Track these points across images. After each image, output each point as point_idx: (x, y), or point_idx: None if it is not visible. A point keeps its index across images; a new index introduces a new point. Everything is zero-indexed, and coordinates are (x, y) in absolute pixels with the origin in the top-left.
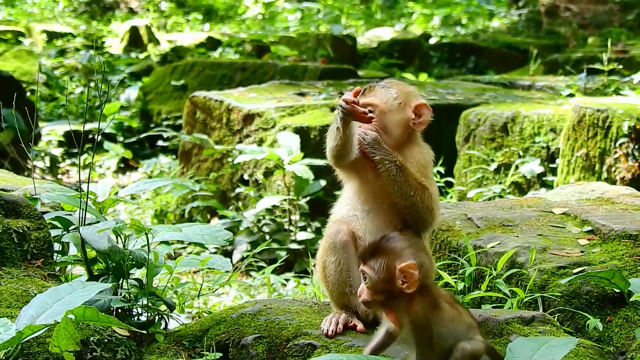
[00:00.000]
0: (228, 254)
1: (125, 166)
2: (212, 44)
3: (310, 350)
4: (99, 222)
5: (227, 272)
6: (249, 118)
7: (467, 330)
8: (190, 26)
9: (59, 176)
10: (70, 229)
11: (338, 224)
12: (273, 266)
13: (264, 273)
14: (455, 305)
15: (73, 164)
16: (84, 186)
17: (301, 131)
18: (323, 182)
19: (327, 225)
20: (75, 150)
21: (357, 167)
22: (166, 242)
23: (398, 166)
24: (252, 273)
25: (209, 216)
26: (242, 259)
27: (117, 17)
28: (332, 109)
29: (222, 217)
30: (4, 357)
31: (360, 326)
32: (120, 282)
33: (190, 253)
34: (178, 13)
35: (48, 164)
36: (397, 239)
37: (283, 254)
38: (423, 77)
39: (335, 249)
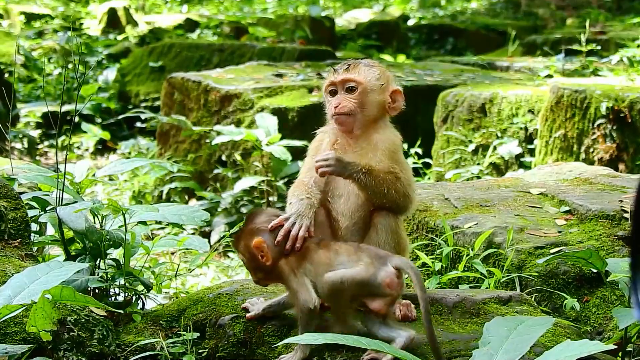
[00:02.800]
0: (206, 235)
1: (103, 148)
2: (190, 25)
3: (288, 330)
4: (76, 202)
5: (204, 252)
6: (226, 99)
7: (346, 263)
8: (168, 8)
9: (37, 157)
10: (47, 209)
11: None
12: None
13: None
14: (332, 247)
15: (51, 146)
16: (62, 167)
17: (279, 112)
18: (301, 163)
19: None
20: (53, 132)
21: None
22: (144, 223)
23: (365, 172)
24: (230, 254)
25: (187, 197)
26: (220, 239)
27: None
28: (310, 90)
29: (200, 198)
30: None
31: None
32: (97, 262)
33: (168, 234)
34: None
35: (26, 145)
36: (250, 219)
37: None
38: (401, 58)
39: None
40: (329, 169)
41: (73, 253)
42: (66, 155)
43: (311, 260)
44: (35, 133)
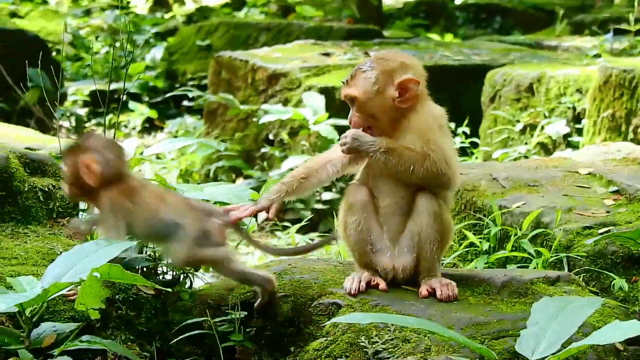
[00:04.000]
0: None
1: (150, 126)
2: (237, 4)
3: (335, 309)
4: None
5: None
6: (274, 78)
7: (171, 214)
8: None
9: None
10: None
11: (357, 185)
12: (298, 225)
13: (288, 233)
14: (162, 194)
15: (98, 124)
16: None
17: (326, 91)
18: None
19: (347, 186)
20: (101, 110)
21: (356, 159)
22: None
23: (384, 151)
24: (278, 233)
25: (234, 176)
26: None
27: None
28: None
29: (247, 177)
30: (29, 315)
31: (382, 285)
32: None
33: None
34: None
35: (74, 124)
36: (89, 137)
37: (308, 213)
38: (448, 37)
39: (354, 209)
40: (345, 146)
41: None
42: (114, 134)
43: (135, 200)
44: (83, 111)
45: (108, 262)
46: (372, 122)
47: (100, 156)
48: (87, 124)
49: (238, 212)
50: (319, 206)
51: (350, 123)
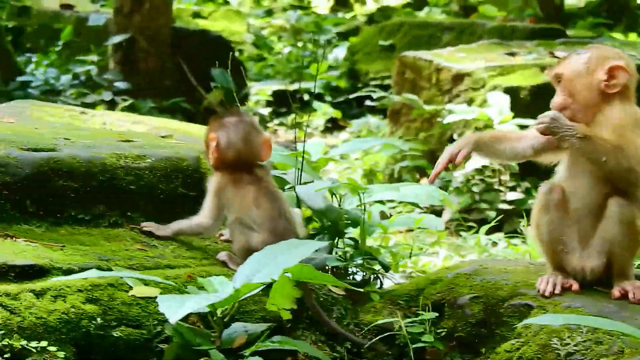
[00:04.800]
0: (437, 213)
1: (332, 126)
2: (418, 3)
3: (527, 310)
4: (314, 181)
5: (440, 232)
6: (458, 78)
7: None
8: None
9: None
10: (286, 188)
11: (551, 183)
12: (487, 226)
13: (474, 233)
14: (258, 197)
15: (281, 124)
16: (297, 146)
17: (511, 91)
18: None
19: (541, 185)
20: (283, 110)
21: (549, 148)
22: (381, 202)
23: (580, 137)
24: (462, 233)
25: (417, 176)
26: (453, 218)
27: None
28: (543, 69)
29: None
30: (221, 315)
31: (575, 286)
32: (335, 241)
33: (399, 213)
34: None
35: None
36: (228, 114)
37: (492, 213)
38: (632, 36)
39: (547, 208)
40: (542, 125)
41: (311, 232)
42: (305, 134)
43: (235, 192)
44: (266, 111)
45: (299, 262)
46: (571, 104)
47: (225, 137)
48: (269, 124)
49: (434, 171)
50: (504, 206)
51: (551, 106)
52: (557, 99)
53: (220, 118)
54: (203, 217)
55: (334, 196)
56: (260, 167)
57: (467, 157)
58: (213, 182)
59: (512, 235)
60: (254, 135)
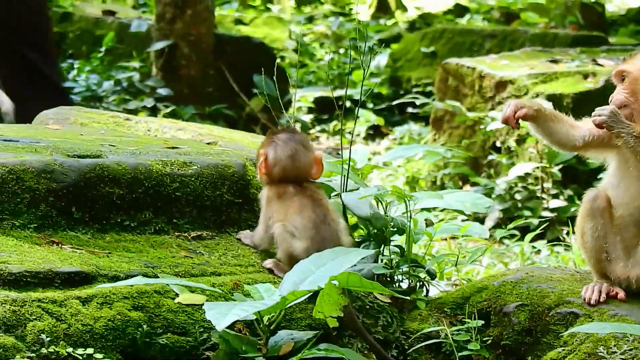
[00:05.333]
0: (480, 220)
1: (374, 133)
2: (459, 10)
3: (573, 318)
4: (359, 188)
5: (484, 239)
6: (501, 85)
7: (299, 229)
8: None
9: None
10: (331, 195)
11: (596, 191)
12: (532, 234)
13: (517, 240)
14: (301, 207)
15: (323, 130)
16: (342, 153)
17: (554, 98)
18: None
19: (586, 192)
20: (325, 117)
21: (599, 143)
22: (427, 209)
23: (637, 136)
24: (505, 240)
25: (460, 183)
26: (495, 225)
27: None
28: (585, 77)
29: (474, 184)
30: (267, 322)
31: (621, 294)
32: (381, 248)
33: (441, 220)
34: None
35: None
36: (283, 131)
37: (535, 221)
38: None
39: (592, 216)
40: (600, 118)
41: (357, 239)
42: (351, 142)
43: (281, 203)
44: (308, 118)
45: (346, 270)
46: (632, 104)
47: (272, 154)
48: (311, 131)
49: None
50: (547, 214)
51: (610, 101)
52: (619, 96)
53: (273, 134)
54: (261, 237)
55: (379, 203)
56: (310, 182)
57: (527, 118)
58: (263, 195)
59: (555, 243)
60: (302, 153)
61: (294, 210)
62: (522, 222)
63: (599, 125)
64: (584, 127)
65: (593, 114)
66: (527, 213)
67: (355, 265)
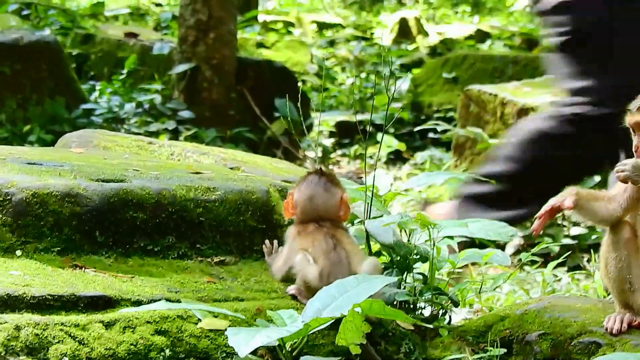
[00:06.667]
0: (500, 247)
1: (395, 157)
2: (480, 36)
3: (595, 348)
4: (382, 215)
5: (506, 266)
6: (523, 112)
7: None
8: (458, 18)
9: (330, 167)
10: (355, 222)
11: (621, 222)
12: (555, 262)
13: (537, 267)
14: (325, 235)
15: (344, 155)
16: (365, 179)
17: None
18: (597, 178)
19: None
20: (346, 141)
21: (638, 201)
22: (450, 237)
23: None
24: (526, 267)
25: None
26: (515, 252)
27: (386, 8)
28: None
29: None
30: (290, 349)
31: None
32: (404, 276)
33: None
34: (446, 5)
35: (319, 154)
36: (315, 173)
37: (556, 249)
38: None
39: (616, 246)
40: (623, 173)
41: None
42: (375, 167)
43: (301, 239)
44: (329, 142)
45: (369, 297)
46: None
47: (296, 195)
48: (332, 155)
49: (538, 223)
50: (567, 241)
51: (634, 151)
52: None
53: (305, 175)
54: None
55: (403, 231)
56: (332, 220)
57: (571, 207)
58: (289, 231)
59: (575, 270)
60: (321, 196)
61: (310, 242)
62: (544, 245)
63: (623, 181)
64: (617, 195)
65: (615, 169)
66: (547, 240)
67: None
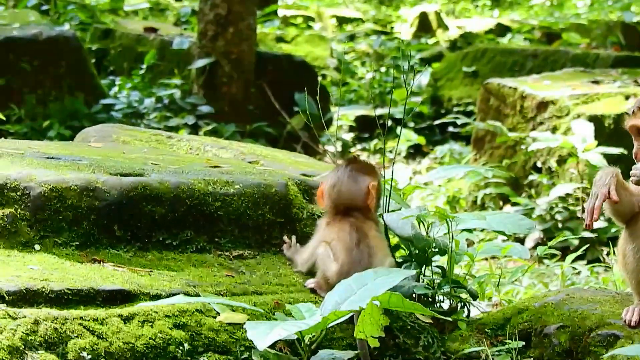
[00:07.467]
0: (520, 240)
1: (414, 152)
2: (501, 30)
3: (613, 340)
4: (401, 208)
5: (525, 260)
6: (542, 105)
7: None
8: (479, 12)
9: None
10: None
11: (637, 213)
12: (573, 255)
13: (557, 260)
14: (350, 227)
15: (364, 149)
16: (384, 172)
17: (595, 119)
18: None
19: None
20: (366, 135)
21: None
22: (469, 230)
23: None
24: (545, 260)
25: (501, 203)
26: (535, 246)
27: (406, 3)
28: (627, 98)
29: (514, 204)
30: (308, 342)
31: None
32: (422, 269)
33: (481, 240)
34: None
35: (339, 149)
36: (343, 166)
37: (575, 242)
38: None
39: (634, 237)
40: (635, 178)
41: (398, 259)
42: (393, 161)
43: (328, 229)
44: (349, 136)
45: (388, 290)
46: None
47: (326, 184)
48: (352, 149)
49: (592, 216)
50: (587, 234)
51: (635, 157)
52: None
53: (338, 164)
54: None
55: (421, 224)
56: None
57: (617, 201)
58: (320, 221)
59: (594, 264)
60: (345, 183)
61: (334, 235)
62: (562, 238)
63: (637, 183)
64: (636, 191)
65: (631, 173)
66: (567, 233)
67: (397, 285)
